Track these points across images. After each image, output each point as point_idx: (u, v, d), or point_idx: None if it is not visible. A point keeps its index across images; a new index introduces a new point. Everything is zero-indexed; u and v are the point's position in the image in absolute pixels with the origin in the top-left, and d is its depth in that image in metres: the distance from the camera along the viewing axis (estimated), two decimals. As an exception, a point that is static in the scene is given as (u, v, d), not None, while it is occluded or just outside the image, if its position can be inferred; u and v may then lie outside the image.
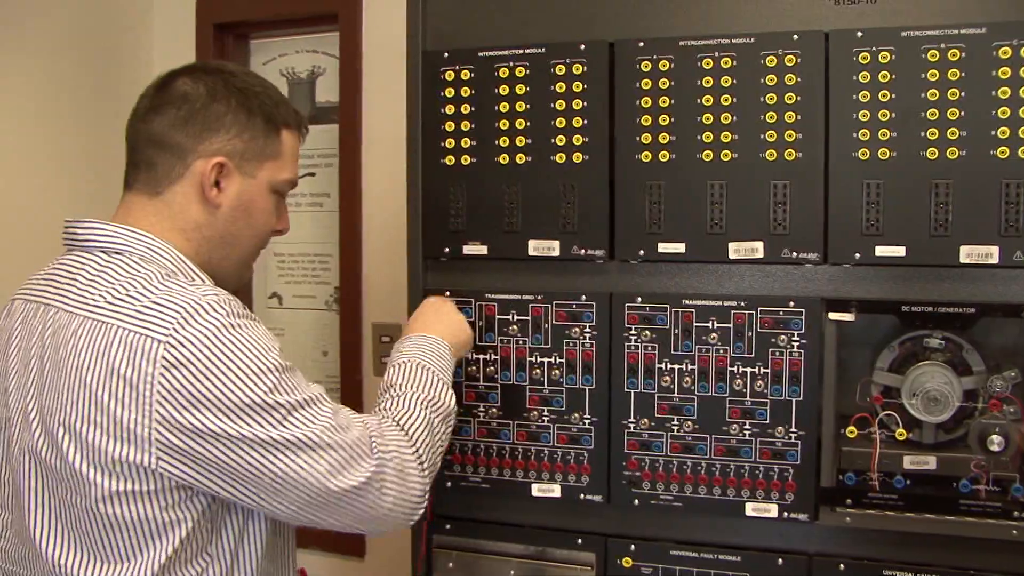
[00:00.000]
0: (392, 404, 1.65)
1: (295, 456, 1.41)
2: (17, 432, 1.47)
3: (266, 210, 1.63)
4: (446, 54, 1.92)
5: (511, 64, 1.88)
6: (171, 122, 1.54)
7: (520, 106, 1.88)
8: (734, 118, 1.75)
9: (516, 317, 1.90)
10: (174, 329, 1.37)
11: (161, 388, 1.35)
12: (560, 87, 1.85)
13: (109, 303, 1.41)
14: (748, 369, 1.77)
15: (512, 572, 1.95)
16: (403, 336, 1.82)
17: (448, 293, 1.94)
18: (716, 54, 1.76)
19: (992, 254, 1.64)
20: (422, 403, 1.66)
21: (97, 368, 1.37)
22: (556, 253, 1.87)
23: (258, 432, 1.38)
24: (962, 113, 1.64)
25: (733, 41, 1.75)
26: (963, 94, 1.63)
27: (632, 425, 1.84)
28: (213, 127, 1.55)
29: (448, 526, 1.99)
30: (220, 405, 1.36)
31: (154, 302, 1.39)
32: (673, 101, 1.79)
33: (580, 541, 1.91)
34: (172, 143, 1.54)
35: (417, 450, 1.59)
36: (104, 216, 1.55)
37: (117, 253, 1.49)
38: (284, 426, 1.40)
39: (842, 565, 1.76)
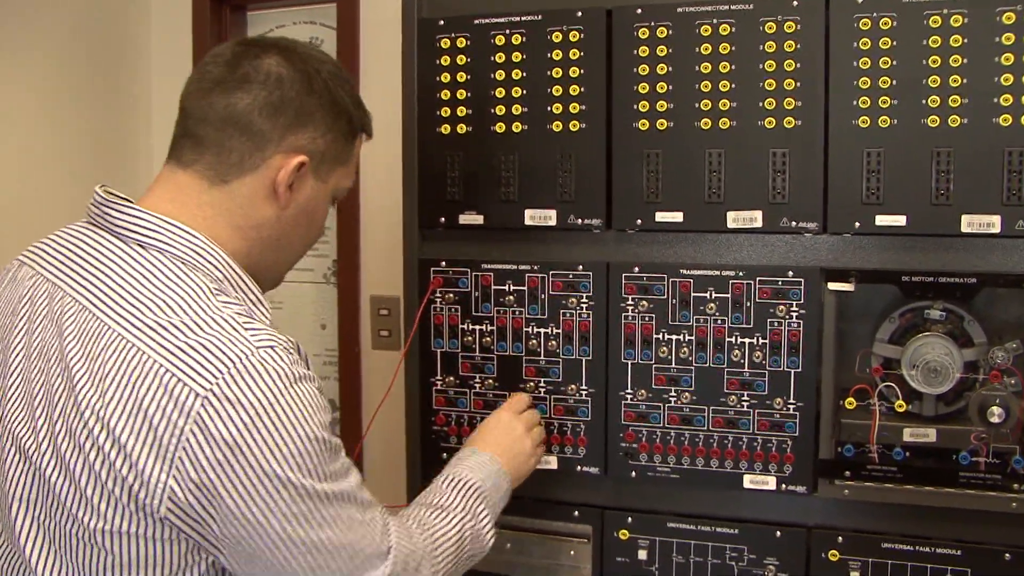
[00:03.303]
0: (435, 516, 1.57)
1: (309, 555, 1.28)
2: (14, 428, 1.30)
3: (322, 218, 1.52)
4: (442, 21, 1.90)
5: (507, 32, 1.85)
6: (259, 104, 1.38)
7: (516, 74, 1.85)
8: (733, 86, 1.73)
9: (512, 287, 1.88)
10: (218, 384, 1.20)
11: (188, 444, 1.19)
12: (557, 55, 1.82)
13: (148, 325, 1.24)
14: (746, 340, 1.76)
15: (508, 545, 1.93)
16: (480, 446, 1.75)
17: (444, 263, 1.92)
18: (715, 21, 1.73)
19: (994, 223, 1.62)
20: (465, 529, 1.58)
21: (123, 400, 1.21)
22: (553, 222, 1.85)
23: (278, 518, 1.24)
24: (964, 80, 1.61)
25: (732, 7, 1.72)
26: (965, 60, 1.61)
27: (629, 396, 1.83)
28: (303, 121, 1.40)
29: (444, 498, 1.98)
30: (248, 479, 1.21)
31: (201, 343, 1.23)
32: (671, 69, 1.76)
33: (577, 513, 1.91)
34: (255, 128, 1.37)
35: (436, 562, 1.50)
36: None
37: (157, 250, 1.33)
38: (308, 520, 1.27)
39: (840, 537, 1.75)
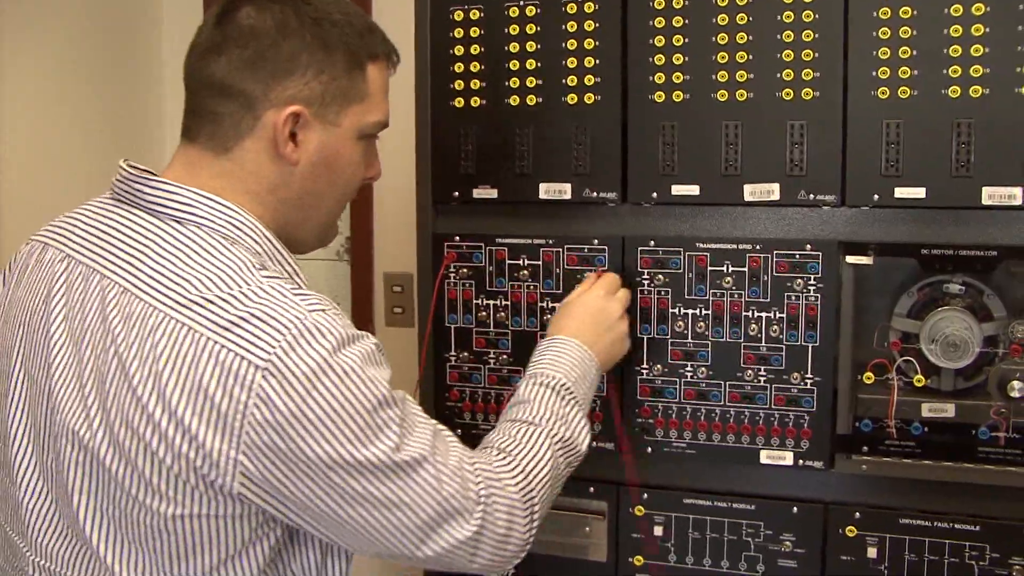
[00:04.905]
0: (522, 435, 1.47)
1: (385, 512, 1.25)
2: (67, 419, 1.26)
3: (353, 161, 1.43)
4: (455, -7, 1.88)
5: (521, 3, 1.83)
6: (236, 64, 1.32)
7: (531, 46, 1.83)
8: (750, 56, 1.70)
9: (527, 262, 1.87)
10: (276, 355, 1.17)
11: (253, 419, 1.17)
12: (571, 26, 1.80)
13: (195, 302, 1.21)
14: (763, 314, 1.74)
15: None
16: (556, 331, 1.66)
17: (457, 238, 1.91)
18: (732, -10, 1.71)
19: (1016, 195, 1.60)
20: (555, 443, 1.48)
21: (180, 381, 1.18)
22: (568, 196, 1.83)
23: (351, 485, 1.23)
24: (986, 50, 1.59)
25: (749, -23, 1.70)
26: (987, 30, 1.58)
27: (645, 371, 1.81)
28: (286, 69, 1.32)
29: (458, 474, 1.97)
30: (315, 447, 1.20)
31: (252, 314, 1.19)
32: (687, 40, 1.74)
33: (592, 489, 1.89)
34: (238, 90, 1.32)
35: (533, 508, 1.40)
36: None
37: (195, 225, 1.29)
38: (380, 483, 1.24)
39: (858, 513, 1.74)
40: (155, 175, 1.35)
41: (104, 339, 1.24)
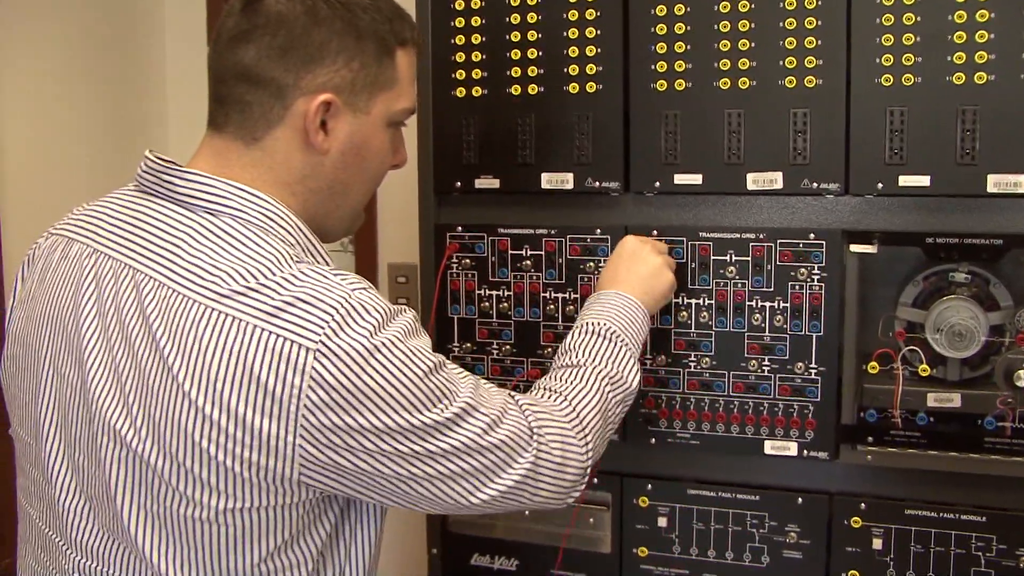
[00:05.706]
0: (569, 375, 1.51)
1: (446, 463, 1.27)
2: (107, 417, 1.24)
3: (382, 149, 1.41)
4: (456, -18, 1.87)
5: (522, -9, 1.82)
6: (265, 52, 1.29)
7: (532, 35, 1.82)
8: (752, 44, 1.69)
9: (529, 252, 1.86)
10: (326, 335, 1.17)
11: (308, 401, 1.17)
12: (572, 15, 1.79)
13: (237, 291, 1.19)
14: (767, 304, 1.73)
15: (527, 512, 1.92)
16: (596, 290, 1.68)
17: (460, 228, 1.90)
18: (734, -23, 1.70)
19: (1021, 183, 1.58)
20: (602, 379, 1.51)
21: (229, 373, 1.17)
22: (570, 186, 1.82)
23: (411, 447, 1.24)
24: (991, 36, 1.57)
25: (752, -37, 1.69)
26: (992, 15, 1.57)
27: (648, 362, 1.80)
28: (316, 56, 1.30)
29: (462, 466, 1.96)
30: (372, 420, 1.20)
31: (297, 298, 1.18)
32: (689, 28, 1.73)
33: (596, 480, 1.88)
34: (267, 78, 1.29)
35: (585, 434, 1.44)
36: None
37: (230, 217, 1.27)
38: (437, 440, 1.25)
39: (863, 504, 1.73)
40: (183, 166, 1.33)
41: (143, 335, 1.22)
